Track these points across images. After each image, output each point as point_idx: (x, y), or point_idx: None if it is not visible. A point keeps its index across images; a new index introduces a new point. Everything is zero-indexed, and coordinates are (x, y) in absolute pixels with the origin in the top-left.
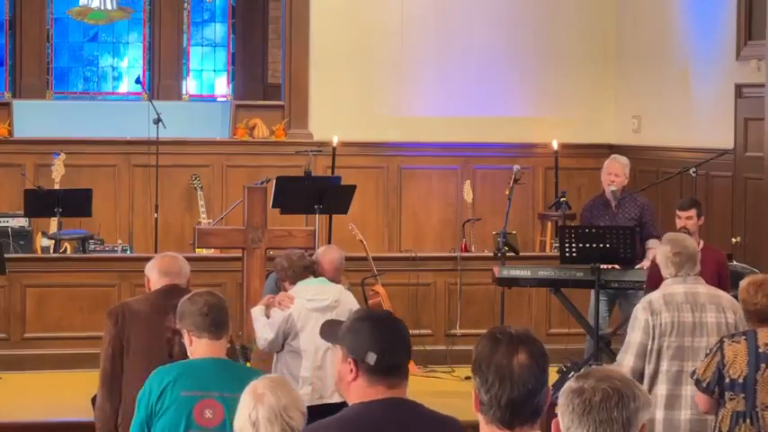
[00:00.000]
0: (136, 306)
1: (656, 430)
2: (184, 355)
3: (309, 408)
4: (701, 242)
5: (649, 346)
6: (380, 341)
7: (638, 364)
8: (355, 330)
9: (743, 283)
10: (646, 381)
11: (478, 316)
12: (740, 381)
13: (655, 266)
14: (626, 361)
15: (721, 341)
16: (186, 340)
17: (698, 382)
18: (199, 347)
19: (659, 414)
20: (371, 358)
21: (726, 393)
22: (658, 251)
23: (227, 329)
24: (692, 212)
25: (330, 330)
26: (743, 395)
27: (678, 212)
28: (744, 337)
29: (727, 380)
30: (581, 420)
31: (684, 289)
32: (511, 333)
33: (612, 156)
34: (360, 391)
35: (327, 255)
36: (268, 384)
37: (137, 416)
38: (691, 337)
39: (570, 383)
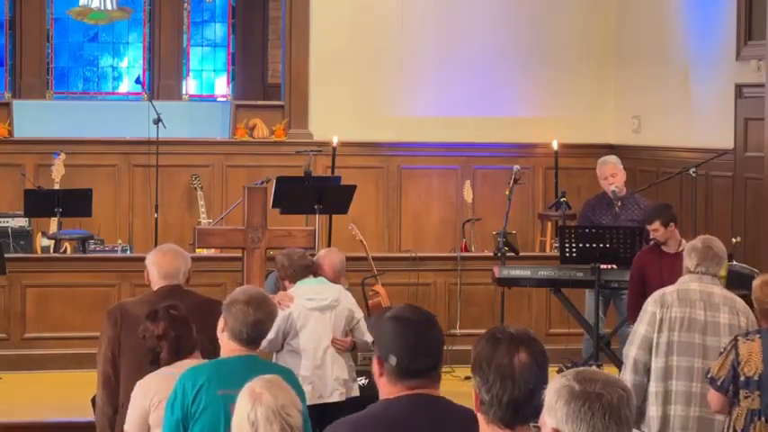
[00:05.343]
0: (133, 309)
1: (667, 426)
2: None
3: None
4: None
5: (656, 340)
6: (402, 345)
7: (641, 355)
8: (382, 330)
9: (756, 282)
10: (655, 375)
11: (478, 316)
12: (755, 378)
13: (638, 266)
14: (631, 352)
15: (735, 339)
16: (220, 336)
17: (712, 381)
18: (228, 347)
19: (670, 410)
20: (392, 360)
21: (740, 391)
22: (687, 243)
23: (260, 342)
24: (656, 225)
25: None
26: (758, 393)
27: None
28: (758, 335)
29: (742, 378)
30: (603, 424)
31: (700, 287)
32: (511, 333)
33: (600, 160)
34: (385, 388)
35: (328, 258)
36: (265, 384)
37: (169, 419)
38: (702, 335)
39: (574, 390)
